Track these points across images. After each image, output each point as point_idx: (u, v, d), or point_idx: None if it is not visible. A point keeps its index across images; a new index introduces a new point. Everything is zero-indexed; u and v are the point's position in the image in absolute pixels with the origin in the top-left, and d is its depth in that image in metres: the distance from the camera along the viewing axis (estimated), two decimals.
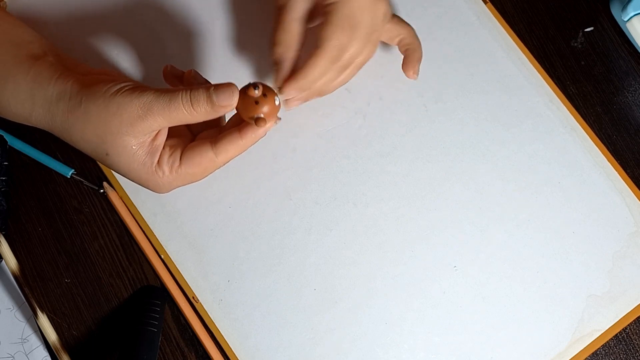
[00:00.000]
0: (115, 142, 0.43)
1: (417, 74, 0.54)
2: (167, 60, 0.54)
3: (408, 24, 0.54)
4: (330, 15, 0.49)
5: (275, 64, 0.51)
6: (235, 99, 0.43)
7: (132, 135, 0.43)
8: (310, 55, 0.49)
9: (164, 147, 0.45)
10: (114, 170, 0.47)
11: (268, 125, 0.45)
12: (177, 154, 0.45)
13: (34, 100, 0.45)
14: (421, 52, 0.54)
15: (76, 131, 0.44)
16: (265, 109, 0.44)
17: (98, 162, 0.54)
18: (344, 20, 0.48)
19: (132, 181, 0.47)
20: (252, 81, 0.45)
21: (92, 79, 0.45)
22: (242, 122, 0.46)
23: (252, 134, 0.45)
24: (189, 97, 0.43)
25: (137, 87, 0.44)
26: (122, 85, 0.44)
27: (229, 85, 0.43)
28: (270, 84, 0.47)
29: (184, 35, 0.57)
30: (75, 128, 0.44)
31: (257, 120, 0.44)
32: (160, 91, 0.43)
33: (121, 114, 0.43)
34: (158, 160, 0.45)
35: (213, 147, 0.45)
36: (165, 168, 0.45)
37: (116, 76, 0.47)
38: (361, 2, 0.49)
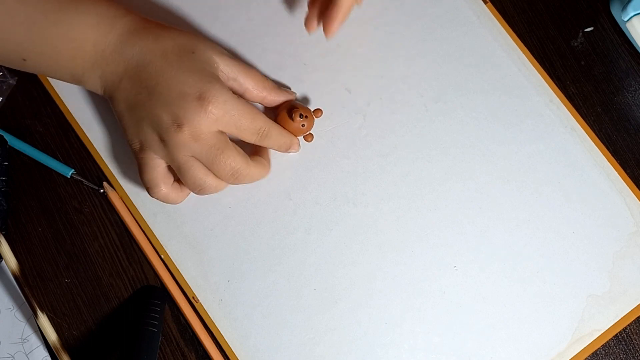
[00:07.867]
0: (206, 41, 0.50)
1: None
2: None
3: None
4: None
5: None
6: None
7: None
8: None
9: None
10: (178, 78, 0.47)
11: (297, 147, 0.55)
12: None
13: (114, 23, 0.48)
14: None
15: (169, 33, 0.49)
16: (309, 129, 0.54)
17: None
18: None
19: (187, 92, 0.47)
20: (295, 103, 0.54)
21: None
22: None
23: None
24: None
25: None
26: None
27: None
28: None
29: None
30: (168, 31, 0.49)
31: (307, 137, 0.55)
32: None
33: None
34: None
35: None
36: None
37: None
38: None
